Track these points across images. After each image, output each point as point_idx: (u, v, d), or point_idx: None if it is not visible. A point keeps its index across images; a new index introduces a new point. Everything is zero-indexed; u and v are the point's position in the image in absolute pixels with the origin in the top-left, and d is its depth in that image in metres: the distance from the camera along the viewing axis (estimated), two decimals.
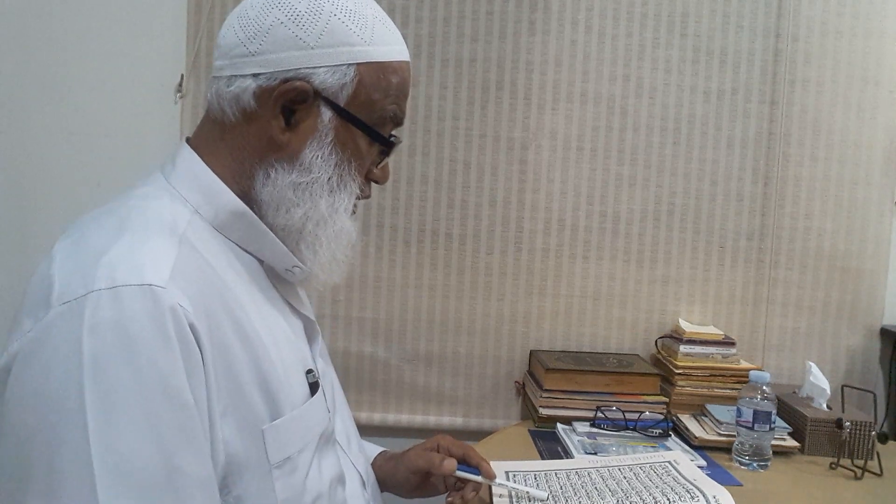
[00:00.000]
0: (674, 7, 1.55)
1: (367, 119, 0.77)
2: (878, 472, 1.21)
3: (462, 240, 1.57)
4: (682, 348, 1.46)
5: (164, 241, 0.67)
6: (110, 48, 1.52)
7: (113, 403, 0.58)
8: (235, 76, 0.74)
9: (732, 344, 1.48)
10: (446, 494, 0.99)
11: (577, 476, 1.07)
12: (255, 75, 0.73)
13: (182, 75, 1.53)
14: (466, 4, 1.54)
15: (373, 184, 0.85)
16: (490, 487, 1.00)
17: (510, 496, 1.00)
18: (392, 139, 0.81)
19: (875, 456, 1.23)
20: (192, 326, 0.63)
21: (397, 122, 0.81)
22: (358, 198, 0.81)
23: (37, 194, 1.53)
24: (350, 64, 0.74)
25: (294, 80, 0.73)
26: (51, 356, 0.60)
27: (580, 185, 1.57)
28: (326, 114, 0.75)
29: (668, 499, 0.96)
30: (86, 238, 0.67)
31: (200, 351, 0.64)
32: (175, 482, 0.59)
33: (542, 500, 0.97)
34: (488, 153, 1.57)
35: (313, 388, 0.78)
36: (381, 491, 0.98)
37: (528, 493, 0.99)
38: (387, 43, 0.77)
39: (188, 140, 0.80)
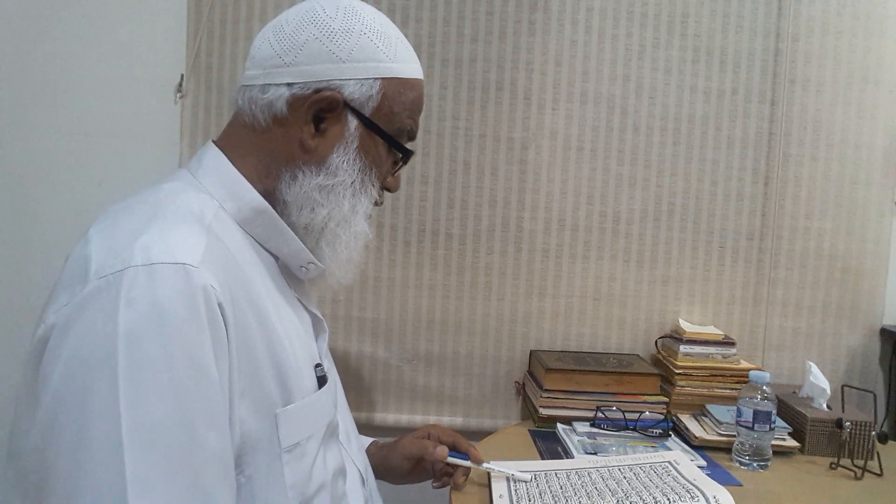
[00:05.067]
0: (674, 7, 1.55)
1: (387, 130, 0.83)
2: (878, 472, 1.21)
3: (462, 240, 1.57)
4: (682, 348, 1.46)
5: (194, 229, 0.71)
6: (110, 48, 1.52)
7: (143, 372, 0.61)
8: (269, 85, 0.79)
9: (732, 344, 1.48)
10: (431, 480, 1.09)
11: (577, 476, 1.07)
12: (289, 84, 0.79)
13: (182, 75, 1.53)
14: (466, 4, 1.54)
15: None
16: (491, 491, 1.03)
17: (510, 498, 1.00)
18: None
19: (875, 456, 1.24)
20: (220, 306, 0.66)
21: (411, 135, 0.88)
22: (374, 203, 0.87)
23: (37, 194, 1.53)
24: (376, 78, 0.81)
25: (326, 90, 0.79)
26: (87, 326, 0.63)
27: (580, 185, 1.57)
28: (353, 122, 0.81)
29: (668, 499, 0.96)
30: (120, 223, 0.71)
31: (226, 331, 0.67)
32: (194, 450, 0.62)
33: (525, 481, 1.04)
34: (488, 153, 1.56)
35: (321, 381, 0.82)
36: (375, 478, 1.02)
37: (513, 475, 1.06)
38: (407, 61, 0.84)
39: (214, 142, 0.84)
